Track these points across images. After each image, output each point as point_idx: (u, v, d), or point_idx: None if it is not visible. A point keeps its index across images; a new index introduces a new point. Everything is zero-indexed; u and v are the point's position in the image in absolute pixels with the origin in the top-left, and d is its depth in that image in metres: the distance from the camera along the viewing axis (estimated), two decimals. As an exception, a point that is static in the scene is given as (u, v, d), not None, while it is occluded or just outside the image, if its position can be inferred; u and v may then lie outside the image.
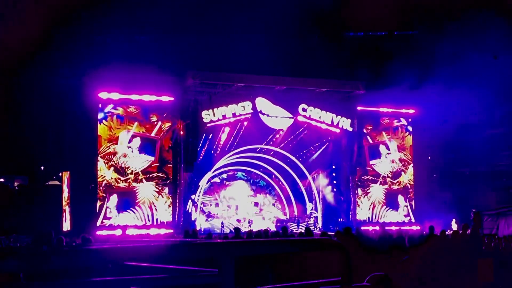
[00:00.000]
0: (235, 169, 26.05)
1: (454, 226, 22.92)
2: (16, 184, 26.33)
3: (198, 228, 22.57)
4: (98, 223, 21.05)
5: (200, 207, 24.74)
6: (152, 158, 22.18)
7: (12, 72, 20.95)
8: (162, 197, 22.23)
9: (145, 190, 22.00)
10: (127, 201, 21.69)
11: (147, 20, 22.95)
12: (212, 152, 24.69)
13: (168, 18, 22.46)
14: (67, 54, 21.04)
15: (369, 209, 25.60)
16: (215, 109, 23.01)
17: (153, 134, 22.25)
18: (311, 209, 26.56)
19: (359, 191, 25.62)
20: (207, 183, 24.95)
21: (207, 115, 22.84)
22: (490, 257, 11.11)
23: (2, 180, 26.26)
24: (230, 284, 3.41)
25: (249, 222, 25.16)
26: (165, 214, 22.17)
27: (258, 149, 25.91)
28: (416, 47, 25.33)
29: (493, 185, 26.99)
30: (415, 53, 24.24)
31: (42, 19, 18.26)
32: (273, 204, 26.56)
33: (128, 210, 21.65)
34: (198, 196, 24.50)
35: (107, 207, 21.32)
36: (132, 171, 21.81)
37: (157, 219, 21.99)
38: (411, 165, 26.47)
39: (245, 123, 24.25)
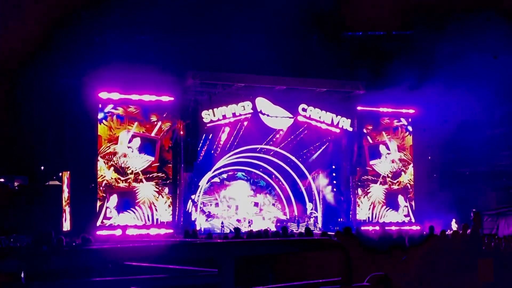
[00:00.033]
0: (235, 169, 26.05)
1: (454, 226, 22.90)
2: (16, 184, 26.33)
3: (198, 228, 22.58)
4: (98, 223, 21.05)
5: (200, 207, 24.74)
6: (152, 158, 22.18)
7: (12, 72, 20.97)
8: (162, 197, 22.23)
9: (145, 190, 22.00)
10: (127, 201, 21.69)
11: (147, 20, 22.95)
12: (212, 152, 24.69)
13: (168, 18, 22.47)
14: (67, 54, 21.04)
15: (369, 209, 25.60)
16: (215, 109, 23.01)
17: (153, 134, 22.26)
18: (311, 209, 26.57)
19: (359, 191, 25.63)
20: (207, 183, 24.95)
21: (207, 115, 22.84)
22: (490, 257, 11.11)
23: (2, 180, 26.27)
24: (230, 284, 3.41)
25: (249, 222, 25.16)
26: (165, 214, 22.17)
27: (258, 149, 25.91)
28: (416, 47, 25.33)
29: (493, 185, 26.98)
30: (415, 53, 24.25)
31: (42, 19, 18.26)
32: (273, 204, 26.56)
33: (128, 210, 21.65)
34: (198, 196, 24.50)
35: (107, 207, 21.32)
36: (132, 171, 21.81)
37: (157, 219, 21.99)
38: (411, 165, 26.48)
39: (245, 123, 24.25)
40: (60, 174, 22.81)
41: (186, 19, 23.38)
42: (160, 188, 22.23)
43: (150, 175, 22.10)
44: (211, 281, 3.55)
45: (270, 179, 26.57)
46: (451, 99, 23.22)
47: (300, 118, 24.74)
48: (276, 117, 24.65)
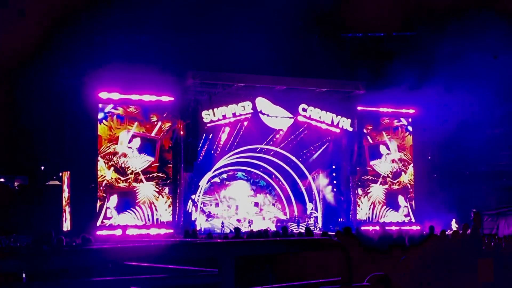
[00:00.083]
0: (235, 169, 26.06)
1: (454, 226, 22.91)
2: (16, 184, 26.33)
3: (198, 228, 22.59)
4: (98, 223, 21.05)
5: (200, 207, 24.75)
6: (152, 158, 22.18)
7: (12, 72, 20.96)
8: (162, 197, 22.23)
9: (145, 190, 22.00)
10: (127, 201, 21.69)
11: (147, 20, 22.96)
12: (212, 152, 24.69)
13: (168, 18, 22.47)
14: (67, 54, 21.05)
15: (369, 209, 25.60)
16: (215, 109, 23.01)
17: (153, 134, 22.26)
18: (311, 209, 26.57)
19: (359, 191, 25.63)
20: (207, 183, 24.95)
21: (207, 115, 22.84)
22: (490, 257, 11.11)
23: (2, 180, 26.27)
24: (230, 284, 3.41)
25: (249, 222, 25.17)
26: (165, 214, 22.18)
27: (258, 149, 25.92)
28: (416, 47, 25.34)
29: (493, 185, 26.96)
30: (415, 53, 24.25)
31: (42, 19, 18.26)
32: (273, 204, 26.57)
33: (128, 210, 21.66)
34: (198, 196, 24.50)
35: (107, 207, 21.32)
36: (132, 171, 21.82)
37: (157, 219, 22.00)
38: (411, 165, 26.48)
39: (245, 123, 24.25)
40: (60, 174, 22.82)
41: (186, 19, 23.39)
42: (160, 188, 22.23)
43: (150, 175, 22.10)
44: (211, 281, 3.56)
45: (270, 179, 26.57)
46: (451, 99, 23.23)
47: (300, 118, 24.74)
48: (276, 117, 24.65)
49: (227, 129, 24.37)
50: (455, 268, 10.27)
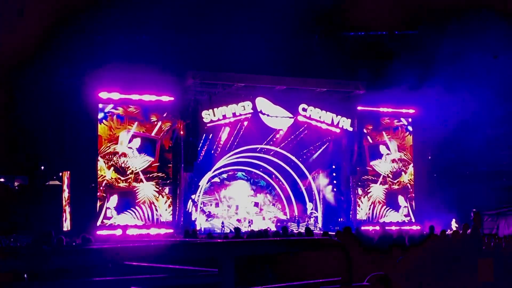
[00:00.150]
0: (235, 169, 26.06)
1: (454, 226, 22.92)
2: (16, 184, 26.36)
3: (198, 228, 22.59)
4: (98, 223, 21.05)
5: (200, 207, 24.75)
6: (152, 158, 22.18)
7: (12, 72, 20.96)
8: (162, 197, 22.23)
9: (145, 190, 22.00)
10: (127, 201, 21.69)
11: (147, 20, 22.96)
12: (212, 152, 24.69)
13: (168, 18, 22.47)
14: (67, 54, 21.05)
15: (369, 209, 25.60)
16: (215, 109, 23.00)
17: (153, 134, 22.26)
18: (311, 209, 26.57)
19: (359, 191, 25.63)
20: (207, 183, 24.95)
21: (207, 115, 22.84)
22: (490, 257, 11.11)
23: (2, 180, 26.28)
24: (230, 284, 3.41)
25: (249, 222, 25.17)
26: (165, 214, 22.18)
27: (258, 149, 25.91)
28: (416, 47, 25.34)
29: (493, 185, 26.97)
30: (415, 53, 24.25)
31: (42, 19, 18.26)
32: (273, 204, 26.57)
33: (128, 210, 21.65)
34: (198, 196, 24.50)
35: (107, 207, 21.32)
36: (132, 171, 21.82)
37: (157, 219, 22.00)
38: (411, 165, 26.48)
39: (245, 123, 24.25)
40: (60, 174, 22.82)
41: (186, 19, 23.39)
42: (160, 188, 22.23)
43: (150, 175, 22.10)
44: (211, 281, 3.56)
45: (270, 179, 26.57)
46: (451, 99, 23.22)
47: (300, 118, 24.74)
48: (276, 117, 24.65)
49: (227, 129, 24.37)
50: (455, 268, 10.27)
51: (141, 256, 3.63)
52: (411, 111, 26.36)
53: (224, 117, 23.24)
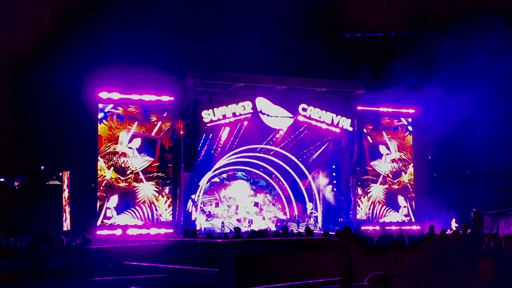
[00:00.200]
0: (235, 169, 26.06)
1: (454, 226, 22.92)
2: (16, 183, 26.36)
3: (198, 227, 22.59)
4: (98, 223, 21.06)
5: (200, 207, 24.75)
6: (152, 158, 22.19)
7: (13, 72, 20.97)
8: (162, 197, 22.24)
9: (145, 190, 22.00)
10: (127, 201, 21.70)
11: (147, 20, 22.96)
12: (212, 152, 24.69)
13: (168, 18, 22.48)
14: (67, 54, 21.06)
15: (369, 209, 25.61)
16: (215, 109, 23.01)
17: (153, 134, 22.27)
18: (311, 209, 26.57)
19: (359, 191, 25.63)
20: (207, 183, 24.95)
21: (207, 115, 22.84)
22: (490, 257, 11.11)
23: (2, 180, 26.29)
24: (230, 284, 3.41)
25: (249, 222, 25.17)
26: (165, 213, 22.18)
27: (258, 149, 25.91)
28: (416, 47, 25.34)
29: (493, 185, 26.97)
30: (416, 53, 24.24)
31: (43, 19, 18.26)
32: (273, 204, 26.57)
33: (128, 210, 21.66)
34: (198, 195, 24.51)
35: (107, 207, 21.32)
36: (132, 170, 21.82)
37: (157, 219, 22.00)
38: (411, 165, 26.49)
39: (245, 123, 24.25)
40: (60, 174, 22.83)
41: (186, 19, 23.40)
42: (160, 188, 22.23)
43: (150, 175, 22.11)
44: (211, 281, 3.55)
45: (270, 178, 26.57)
46: (451, 99, 23.23)
47: (300, 118, 24.74)
48: (276, 117, 24.65)
49: (227, 129, 24.38)
50: (455, 268, 10.27)
51: (141, 256, 3.63)
52: (411, 111, 26.37)
53: (224, 117, 23.25)
